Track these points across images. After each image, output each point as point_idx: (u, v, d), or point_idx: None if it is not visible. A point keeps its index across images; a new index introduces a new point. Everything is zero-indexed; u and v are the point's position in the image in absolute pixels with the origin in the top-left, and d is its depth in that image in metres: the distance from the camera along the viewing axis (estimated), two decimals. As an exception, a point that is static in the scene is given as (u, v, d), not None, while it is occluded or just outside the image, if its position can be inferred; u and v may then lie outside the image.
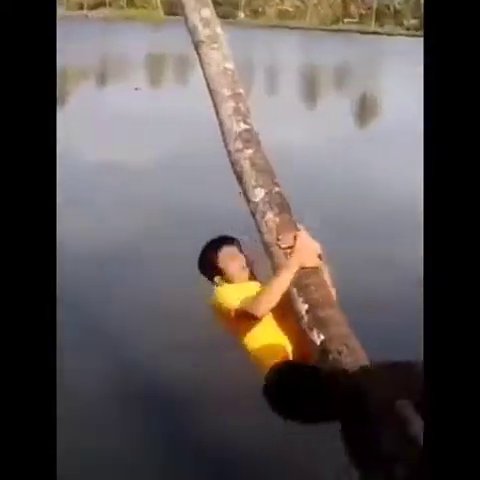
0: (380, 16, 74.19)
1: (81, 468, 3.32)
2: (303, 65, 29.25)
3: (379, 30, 65.70)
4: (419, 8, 64.63)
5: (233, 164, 2.90)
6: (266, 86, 22.31)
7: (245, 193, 2.84)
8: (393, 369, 2.25)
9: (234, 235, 2.96)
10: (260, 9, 77.18)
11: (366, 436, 2.16)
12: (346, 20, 75.58)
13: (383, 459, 2.11)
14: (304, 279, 2.57)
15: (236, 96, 3.01)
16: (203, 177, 9.53)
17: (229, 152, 2.93)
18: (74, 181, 8.32)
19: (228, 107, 2.98)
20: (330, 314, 2.51)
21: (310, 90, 22.65)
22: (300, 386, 2.45)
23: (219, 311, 2.74)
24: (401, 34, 62.59)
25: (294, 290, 2.57)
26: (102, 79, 22.93)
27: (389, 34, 61.70)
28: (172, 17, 54.16)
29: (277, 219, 2.71)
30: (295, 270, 2.57)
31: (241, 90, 3.05)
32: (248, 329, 2.67)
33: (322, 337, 2.45)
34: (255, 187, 2.80)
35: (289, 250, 2.62)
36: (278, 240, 2.66)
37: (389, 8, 75.07)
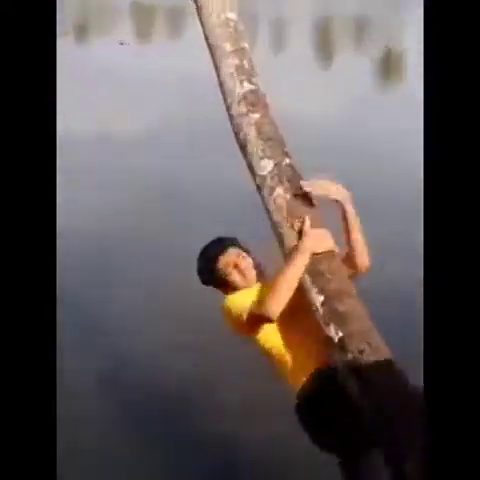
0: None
1: (81, 468, 3.67)
2: (316, 16, 29.05)
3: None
4: None
5: (236, 131, 2.88)
6: (272, 41, 22.20)
7: (250, 165, 2.81)
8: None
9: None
10: None
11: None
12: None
13: None
14: (317, 265, 2.56)
15: (239, 51, 2.98)
16: (201, 147, 9.51)
17: (231, 117, 2.90)
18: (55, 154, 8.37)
19: (230, 64, 2.94)
20: (349, 306, 2.50)
21: (324, 46, 22.55)
22: (333, 410, 2.64)
23: (231, 319, 2.83)
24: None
25: (307, 278, 2.56)
26: (81, 33, 22.84)
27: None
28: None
29: (287, 195, 2.68)
30: (308, 255, 2.56)
31: (246, 44, 3.02)
32: (266, 332, 2.78)
33: (340, 334, 2.45)
34: (262, 158, 2.77)
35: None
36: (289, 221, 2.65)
37: None
